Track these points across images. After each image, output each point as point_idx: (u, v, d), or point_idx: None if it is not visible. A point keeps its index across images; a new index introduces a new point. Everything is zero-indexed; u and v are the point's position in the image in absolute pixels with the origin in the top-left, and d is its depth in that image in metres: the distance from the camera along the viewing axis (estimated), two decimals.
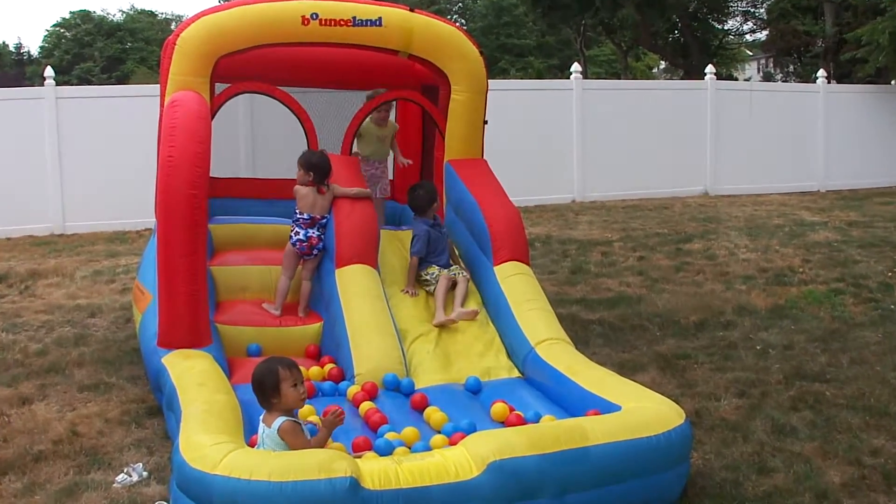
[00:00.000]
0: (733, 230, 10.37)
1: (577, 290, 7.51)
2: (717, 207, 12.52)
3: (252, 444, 3.56)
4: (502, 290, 5.07)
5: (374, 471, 3.19)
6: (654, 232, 10.33)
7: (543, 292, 5.18)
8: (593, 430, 3.45)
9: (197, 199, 4.47)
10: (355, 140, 6.06)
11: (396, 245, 5.60)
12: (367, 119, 6.09)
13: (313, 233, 5.27)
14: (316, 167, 5.28)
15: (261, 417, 3.42)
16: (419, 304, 5.19)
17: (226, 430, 3.51)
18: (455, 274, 5.23)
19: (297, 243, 5.24)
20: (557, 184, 13.09)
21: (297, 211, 5.29)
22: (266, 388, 3.34)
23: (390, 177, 6.68)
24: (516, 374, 4.71)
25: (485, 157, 5.94)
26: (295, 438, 3.31)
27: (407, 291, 5.20)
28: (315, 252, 5.28)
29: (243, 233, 5.68)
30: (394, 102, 6.15)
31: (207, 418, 3.59)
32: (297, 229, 5.26)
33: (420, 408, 4.26)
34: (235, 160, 9.80)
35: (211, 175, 4.80)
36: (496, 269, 5.20)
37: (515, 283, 5.09)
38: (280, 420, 3.33)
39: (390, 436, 3.82)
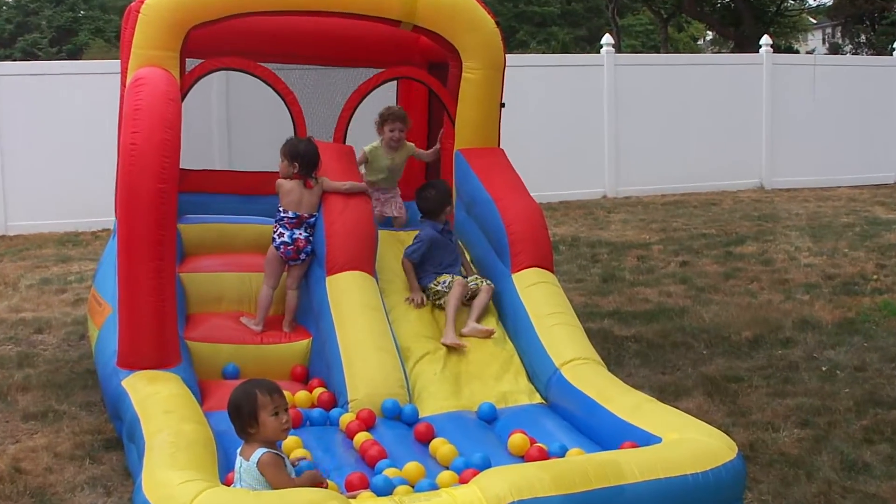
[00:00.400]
0: (793, 230, 10.38)
1: (610, 302, 7.52)
2: (775, 203, 12.53)
3: (228, 483, 3.58)
4: (522, 301, 5.08)
5: None
6: (699, 232, 10.34)
7: (570, 304, 5.19)
8: (629, 466, 3.45)
9: (164, 195, 4.50)
10: (362, 165, 5.97)
11: (398, 248, 5.62)
12: (376, 142, 5.96)
13: (300, 234, 5.29)
14: (302, 157, 5.30)
15: (238, 450, 3.43)
16: (424, 317, 5.20)
17: (197, 465, 3.53)
18: (476, 284, 5.24)
19: (282, 246, 5.26)
20: (586, 177, 13.13)
21: (281, 209, 5.31)
22: (243, 415, 3.36)
23: None
24: (538, 399, 4.72)
25: (501, 146, 5.96)
26: (277, 474, 3.32)
27: (411, 300, 5.21)
28: (302, 257, 5.30)
29: (218, 234, 5.71)
30: (404, 118, 5.97)
31: (175, 452, 3.61)
32: (280, 230, 5.29)
33: (425, 439, 4.27)
34: (209, 149, 9.84)
35: (181, 167, 4.82)
36: (515, 276, 5.21)
37: (537, 293, 5.11)
38: (259, 452, 3.34)
39: (390, 472, 3.82)
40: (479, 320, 5.09)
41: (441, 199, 5.44)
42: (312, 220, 5.32)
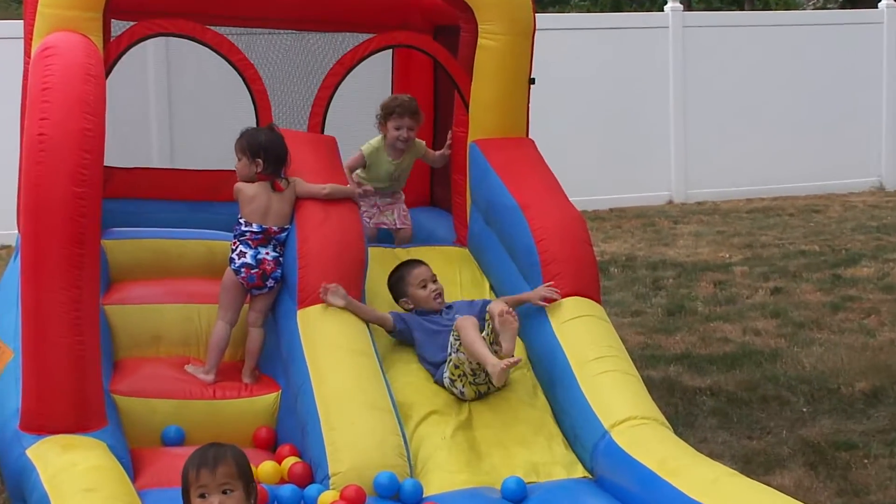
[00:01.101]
0: None
1: (677, 342, 7.51)
2: None
3: None
4: (559, 341, 5.08)
5: None
6: (797, 249, 10.33)
7: (623, 345, 5.19)
8: None
9: (83, 202, 4.52)
10: (358, 169, 6.12)
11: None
12: (376, 141, 6.05)
13: (267, 253, 5.32)
14: (266, 151, 5.33)
15: None
16: None
17: None
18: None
19: (243, 270, 5.29)
20: (645, 176, 13.13)
21: (242, 221, 5.35)
22: (242, 458, 3.48)
23: None
24: (581, 472, 4.71)
25: (530, 135, 5.99)
26: None
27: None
28: (270, 283, 5.33)
29: (155, 253, 5.73)
30: (415, 112, 6.00)
31: None
32: (241, 248, 5.32)
33: None
34: (143, 142, 9.88)
35: (105, 164, 4.86)
36: (549, 308, 5.21)
37: (579, 330, 5.11)
38: None
39: None
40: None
41: (395, 287, 5.41)
42: (283, 235, 5.35)
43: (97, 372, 4.64)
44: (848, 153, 13.89)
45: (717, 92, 13.30)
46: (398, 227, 6.14)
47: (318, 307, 5.11)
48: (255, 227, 5.31)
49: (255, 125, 5.86)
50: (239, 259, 5.29)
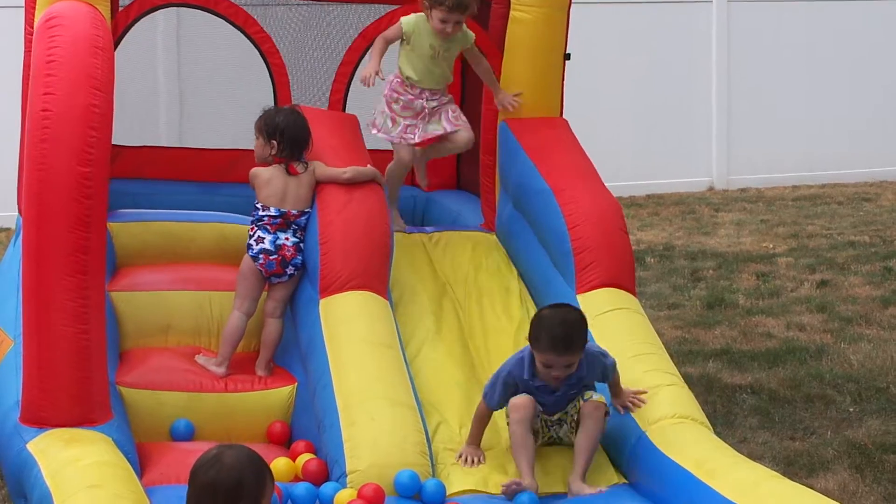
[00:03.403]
0: None
1: (717, 337, 7.48)
2: None
3: None
4: (592, 335, 5.01)
5: None
6: (846, 240, 10.27)
7: (659, 339, 5.17)
8: None
9: (89, 182, 4.51)
10: (387, 46, 5.66)
11: (419, 256, 5.68)
12: (422, 16, 5.61)
13: (287, 239, 5.32)
14: (283, 132, 5.33)
15: None
16: (457, 357, 5.22)
17: None
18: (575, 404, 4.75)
19: (262, 256, 5.29)
20: (684, 160, 13.08)
21: (259, 205, 5.35)
22: (241, 495, 3.35)
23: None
24: (611, 477, 4.70)
25: (564, 115, 5.97)
26: None
27: (462, 457, 4.70)
28: (290, 271, 5.33)
29: (165, 237, 5.72)
30: (468, 6, 5.52)
31: None
32: (259, 233, 5.32)
33: None
34: (153, 119, 9.88)
35: (113, 143, 4.86)
36: (581, 299, 5.21)
37: (614, 323, 5.11)
38: None
39: None
40: (586, 473, 4.60)
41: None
42: (303, 219, 5.35)
43: (102, 362, 4.64)
44: None
45: (764, 70, 13.21)
46: (450, 130, 5.72)
47: (341, 296, 5.10)
48: (272, 211, 5.31)
49: (272, 102, 5.85)
50: (257, 245, 5.29)
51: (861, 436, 5.80)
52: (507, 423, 4.68)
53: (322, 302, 5.10)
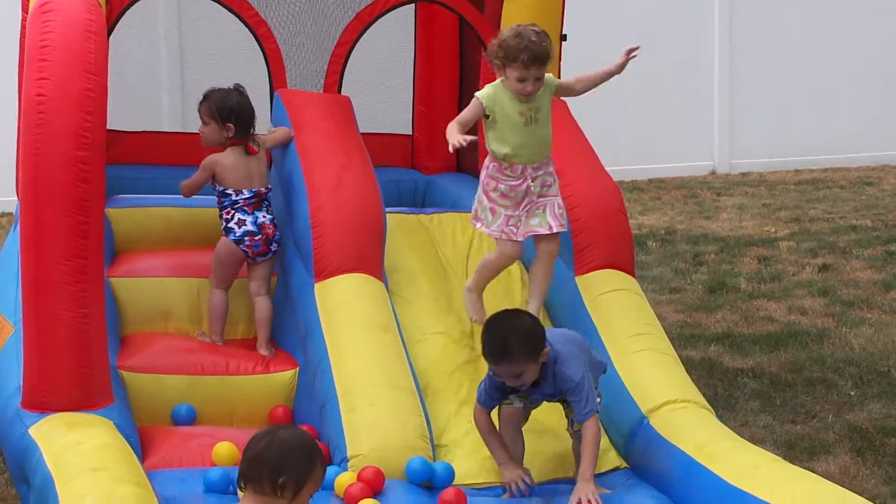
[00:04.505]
0: None
1: (718, 321, 7.50)
2: None
3: None
4: (591, 316, 5.09)
5: None
6: (847, 224, 10.28)
7: (659, 322, 5.17)
8: None
9: (86, 167, 4.52)
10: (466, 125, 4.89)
11: (420, 238, 5.65)
12: (498, 83, 4.85)
13: (265, 216, 5.38)
14: (239, 115, 5.37)
15: None
16: (457, 339, 5.22)
17: None
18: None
19: (247, 238, 5.34)
20: (686, 143, 13.07)
21: (230, 191, 5.37)
22: (287, 472, 3.42)
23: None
24: (613, 461, 4.73)
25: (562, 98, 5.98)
26: None
27: (510, 487, 4.51)
28: (273, 248, 5.40)
29: (164, 222, 5.76)
30: (546, 57, 4.76)
31: None
32: (238, 216, 5.36)
33: None
34: (153, 104, 9.87)
35: (109, 128, 4.88)
36: (580, 280, 5.22)
37: (613, 305, 5.11)
38: None
39: None
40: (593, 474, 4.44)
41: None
42: (270, 194, 5.44)
43: (103, 347, 4.65)
44: None
45: (767, 51, 13.18)
46: (555, 229, 4.91)
47: (336, 279, 5.11)
48: (247, 193, 5.36)
49: (268, 86, 5.86)
50: (240, 228, 5.34)
51: (862, 419, 5.84)
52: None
53: (317, 286, 5.11)
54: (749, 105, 13.19)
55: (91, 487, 3.90)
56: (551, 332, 4.57)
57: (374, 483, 4.36)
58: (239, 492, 3.52)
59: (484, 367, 4.95)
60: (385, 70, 6.33)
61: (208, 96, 5.44)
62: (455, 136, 4.67)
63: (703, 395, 4.90)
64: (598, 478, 4.55)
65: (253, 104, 5.45)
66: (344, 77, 6.23)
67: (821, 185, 12.39)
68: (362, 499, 4.26)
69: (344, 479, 4.39)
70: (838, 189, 12.14)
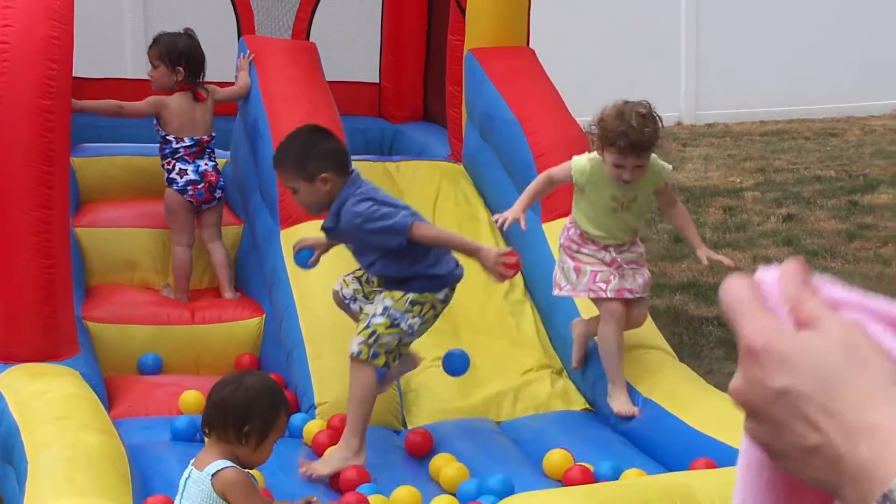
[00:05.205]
0: None
1: (684, 270, 7.55)
2: None
3: None
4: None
5: None
6: (811, 175, 10.33)
7: None
8: (705, 492, 3.48)
9: (51, 115, 4.50)
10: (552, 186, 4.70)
11: (386, 186, 5.51)
12: (592, 156, 4.53)
13: (206, 164, 5.39)
14: (188, 58, 5.36)
15: (192, 461, 3.50)
16: None
17: (103, 489, 3.55)
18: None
19: (190, 187, 5.35)
20: (651, 93, 12.74)
21: (171, 137, 5.37)
22: (251, 420, 3.43)
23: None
24: (581, 404, 4.76)
25: (531, 45, 5.96)
26: (244, 494, 3.39)
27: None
28: (218, 195, 5.42)
29: (128, 171, 5.75)
30: (648, 146, 4.50)
31: (73, 472, 3.63)
32: (179, 166, 5.37)
33: (421, 454, 4.31)
34: (116, 50, 9.82)
35: (75, 75, 4.83)
36: (547, 227, 5.24)
37: None
38: (221, 465, 3.40)
39: (397, 496, 3.88)
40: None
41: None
42: (213, 143, 5.45)
43: (68, 297, 4.66)
44: (868, 69, 13.81)
45: (731, 6, 13.16)
46: (637, 295, 4.59)
47: (302, 226, 5.09)
48: (187, 141, 5.37)
49: (235, 33, 5.83)
50: (181, 178, 5.35)
51: None
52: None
53: (283, 233, 5.10)
54: (715, 56, 13.20)
55: (56, 435, 3.91)
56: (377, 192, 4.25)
57: (342, 430, 4.37)
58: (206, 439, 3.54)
59: (450, 312, 4.98)
60: (353, 18, 6.29)
61: (158, 39, 5.43)
62: (515, 212, 4.36)
63: (669, 343, 4.95)
64: (565, 414, 4.62)
65: (219, 50, 5.42)
66: (312, 24, 6.19)
67: (786, 135, 12.44)
68: (330, 446, 4.28)
69: (312, 428, 4.41)
70: (803, 140, 12.19)
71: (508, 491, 3.90)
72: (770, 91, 13.39)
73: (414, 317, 4.12)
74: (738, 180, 10.16)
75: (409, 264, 4.14)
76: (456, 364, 4.46)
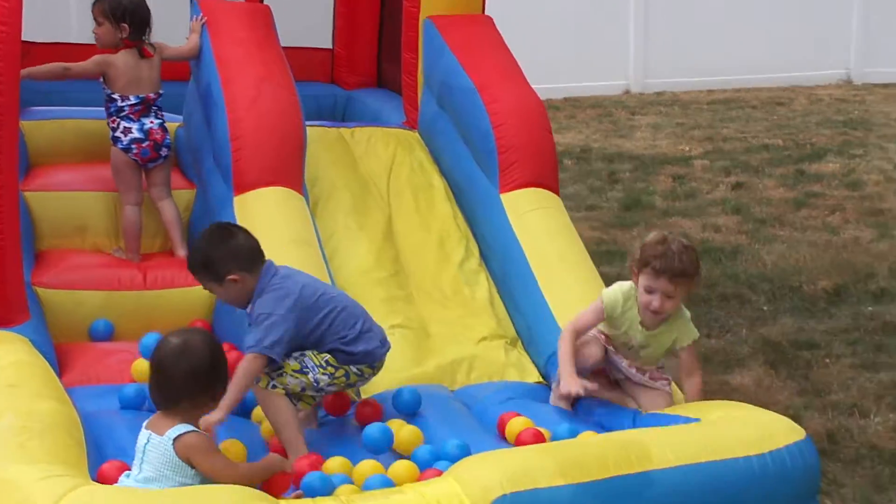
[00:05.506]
0: (893, 141, 10.46)
1: (634, 237, 7.59)
2: (867, 104, 12.61)
3: (103, 479, 3.62)
4: (516, 234, 5.11)
5: None
6: (759, 143, 10.42)
7: (580, 239, 5.22)
8: (659, 448, 3.52)
9: (0, 80, 4.43)
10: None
11: (340, 151, 5.63)
12: (626, 288, 4.36)
13: (152, 122, 5.37)
14: (133, 14, 5.32)
15: (145, 424, 3.52)
16: (378, 250, 5.23)
17: (57, 456, 3.54)
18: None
19: (134, 146, 5.34)
20: (601, 62, 13.09)
21: (116, 96, 5.35)
22: (199, 377, 3.47)
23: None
24: (536, 377, 4.78)
25: (487, 13, 5.96)
26: (211, 457, 3.45)
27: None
28: (164, 153, 5.41)
29: (78, 135, 5.70)
30: (684, 274, 4.21)
31: (26, 440, 3.61)
32: (124, 124, 5.36)
33: (371, 420, 4.26)
34: (62, 14, 9.69)
35: (23, 38, 4.76)
36: (505, 198, 5.23)
37: (538, 223, 5.14)
38: (182, 429, 3.43)
39: (330, 466, 3.85)
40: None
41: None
42: (160, 101, 5.42)
43: (17, 263, 4.60)
44: (815, 41, 13.90)
45: None
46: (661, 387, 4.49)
47: (255, 192, 5.09)
48: (133, 99, 5.35)
49: None
50: (126, 136, 5.35)
51: (775, 333, 5.99)
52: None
53: (236, 199, 5.09)
54: (663, 25, 13.24)
55: (9, 403, 3.87)
56: (308, 279, 4.22)
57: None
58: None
59: (404, 279, 4.99)
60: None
61: None
62: (575, 383, 4.22)
63: None
64: (518, 385, 4.62)
65: (172, 12, 5.38)
66: None
67: (733, 104, 12.52)
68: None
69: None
70: (750, 109, 12.28)
71: (465, 454, 3.92)
72: (718, 60, 13.46)
73: (324, 374, 4.11)
74: (687, 148, 10.23)
75: (321, 337, 4.12)
76: (402, 406, 4.33)
